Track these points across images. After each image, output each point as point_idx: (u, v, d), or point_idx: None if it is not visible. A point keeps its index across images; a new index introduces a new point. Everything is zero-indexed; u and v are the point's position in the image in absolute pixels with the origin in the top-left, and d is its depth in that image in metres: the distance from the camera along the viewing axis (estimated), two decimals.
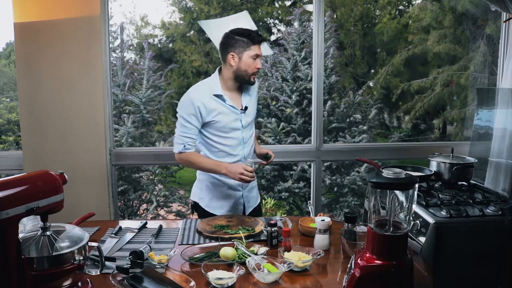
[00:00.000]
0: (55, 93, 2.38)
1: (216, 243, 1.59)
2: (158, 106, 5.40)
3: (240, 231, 1.67)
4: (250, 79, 1.98)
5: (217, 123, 1.97)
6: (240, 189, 2.09)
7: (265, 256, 1.43)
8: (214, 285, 1.29)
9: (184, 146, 1.96)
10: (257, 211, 2.19)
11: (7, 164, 2.56)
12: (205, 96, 1.96)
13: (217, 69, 2.06)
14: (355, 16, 7.81)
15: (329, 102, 5.21)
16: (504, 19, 2.59)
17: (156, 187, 4.99)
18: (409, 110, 7.32)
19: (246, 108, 2.03)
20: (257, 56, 1.95)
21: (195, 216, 2.17)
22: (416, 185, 1.15)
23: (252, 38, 1.93)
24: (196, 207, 2.16)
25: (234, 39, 1.95)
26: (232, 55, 1.95)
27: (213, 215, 2.03)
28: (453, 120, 7.45)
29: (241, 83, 2.02)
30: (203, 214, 2.10)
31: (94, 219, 1.86)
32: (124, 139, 4.64)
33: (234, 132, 2.01)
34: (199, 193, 2.14)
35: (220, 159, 2.00)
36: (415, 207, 1.19)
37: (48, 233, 1.15)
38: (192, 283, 1.28)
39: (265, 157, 2.09)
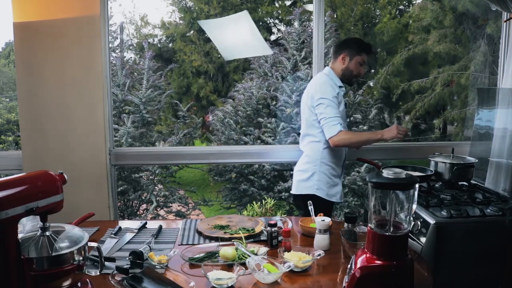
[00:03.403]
0: (55, 93, 2.38)
1: (216, 243, 1.59)
2: (158, 106, 5.40)
3: (240, 231, 1.67)
4: (352, 80, 2.33)
5: (342, 111, 2.23)
6: (340, 176, 2.35)
7: (265, 257, 1.43)
8: (214, 285, 1.29)
9: (341, 124, 2.14)
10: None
11: (6, 164, 2.55)
12: (336, 85, 2.25)
13: (327, 67, 2.34)
14: (355, 16, 7.81)
15: None
16: (505, 19, 2.58)
17: (156, 187, 4.99)
18: (409, 110, 7.31)
19: (346, 105, 2.36)
20: (364, 62, 2.28)
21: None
22: (417, 185, 1.15)
23: (366, 47, 2.29)
24: (310, 200, 1.92)
25: (350, 42, 2.32)
26: (344, 56, 2.27)
27: (331, 202, 2.25)
28: (454, 120, 7.46)
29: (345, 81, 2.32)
30: (321, 204, 2.14)
31: (94, 219, 1.86)
32: (124, 139, 4.64)
33: (343, 121, 2.22)
34: (317, 184, 2.25)
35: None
36: (415, 207, 1.18)
37: (47, 233, 1.15)
38: (192, 283, 1.27)
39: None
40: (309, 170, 2.27)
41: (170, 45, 9.33)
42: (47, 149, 2.40)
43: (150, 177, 4.98)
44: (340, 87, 2.26)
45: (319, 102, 2.17)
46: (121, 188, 4.49)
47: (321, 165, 2.24)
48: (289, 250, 1.49)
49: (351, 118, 5.41)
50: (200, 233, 1.73)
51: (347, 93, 5.49)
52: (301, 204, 2.29)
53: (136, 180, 4.73)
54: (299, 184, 2.30)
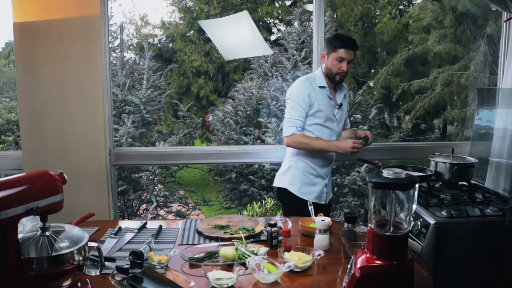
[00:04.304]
0: (55, 93, 2.37)
1: (216, 243, 1.59)
2: (158, 106, 5.40)
3: (240, 231, 1.67)
4: (335, 78, 2.22)
5: (320, 112, 2.21)
6: (325, 178, 2.31)
7: (265, 257, 1.43)
8: (214, 285, 1.29)
9: (296, 127, 2.16)
10: (331, 203, 2.42)
11: (6, 164, 2.55)
12: (313, 86, 2.22)
13: (320, 66, 2.31)
14: (355, 16, 7.81)
15: None
16: (505, 19, 2.58)
17: (156, 187, 4.99)
18: (409, 110, 7.31)
19: (341, 104, 2.29)
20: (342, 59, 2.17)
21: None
22: (417, 185, 1.15)
23: (341, 42, 2.17)
24: (283, 193, 2.29)
25: (327, 40, 2.26)
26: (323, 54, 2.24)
27: (301, 200, 2.19)
28: (454, 120, 7.45)
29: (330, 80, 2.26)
30: (291, 199, 2.25)
31: (94, 219, 1.86)
32: (124, 139, 4.64)
33: (329, 123, 2.25)
34: (291, 179, 2.27)
35: None
36: (415, 207, 1.18)
37: (47, 233, 1.15)
38: (192, 283, 1.27)
39: (364, 139, 2.24)
40: (286, 164, 2.32)
41: (170, 45, 9.33)
42: (47, 149, 2.40)
43: (150, 177, 4.98)
44: (321, 87, 2.23)
45: (286, 102, 2.26)
46: (121, 188, 4.49)
47: (296, 161, 2.26)
48: (289, 250, 1.49)
49: (351, 118, 5.41)
50: (200, 233, 1.73)
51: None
52: (280, 197, 2.37)
53: (136, 180, 4.73)
54: (277, 177, 2.35)
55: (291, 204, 2.25)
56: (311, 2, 2.80)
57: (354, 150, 2.11)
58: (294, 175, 2.27)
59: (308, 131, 2.22)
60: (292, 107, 2.20)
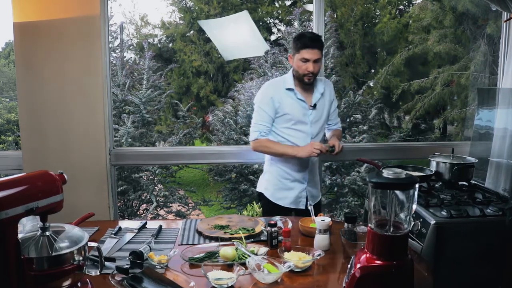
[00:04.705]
0: (55, 93, 2.37)
1: (216, 243, 1.59)
2: (158, 106, 5.40)
3: (240, 231, 1.67)
4: (304, 80, 2.12)
5: (287, 115, 2.14)
6: (304, 182, 2.23)
7: (265, 257, 1.43)
8: (214, 285, 1.29)
9: (260, 132, 2.13)
10: (317, 207, 2.24)
11: (6, 164, 2.55)
12: (279, 89, 2.16)
13: (292, 68, 2.21)
14: (355, 16, 7.81)
15: None
16: (505, 19, 2.58)
17: (156, 187, 4.99)
18: (409, 110, 7.32)
19: (315, 105, 2.17)
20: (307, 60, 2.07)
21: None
22: (417, 185, 1.15)
23: (302, 42, 2.08)
24: (260, 197, 2.30)
25: (292, 41, 2.18)
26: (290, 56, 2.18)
27: (277, 205, 2.19)
28: (454, 120, 7.46)
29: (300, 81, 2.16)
30: (267, 204, 2.24)
31: (94, 219, 1.86)
32: (124, 139, 4.64)
33: (301, 126, 2.16)
34: (265, 184, 2.26)
35: None
36: (415, 207, 1.18)
37: (47, 233, 1.15)
38: (192, 283, 1.27)
39: (330, 148, 2.13)
40: (263, 169, 2.31)
41: (170, 45, 9.33)
42: (47, 149, 2.40)
43: (150, 177, 4.98)
44: (289, 89, 2.14)
45: (253, 107, 2.23)
46: (121, 188, 4.49)
47: (271, 165, 2.23)
48: (289, 250, 1.49)
49: (351, 118, 5.42)
50: (200, 233, 1.73)
51: (347, 93, 5.50)
52: (260, 200, 2.35)
53: (136, 180, 4.73)
54: (258, 180, 2.34)
55: (268, 210, 2.22)
56: (311, 2, 2.80)
57: (314, 154, 2.03)
58: (268, 180, 2.24)
59: (278, 135, 2.16)
60: (256, 112, 2.17)
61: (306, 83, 2.13)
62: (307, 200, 2.23)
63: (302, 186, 2.22)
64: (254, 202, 4.97)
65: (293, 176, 2.20)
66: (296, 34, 2.29)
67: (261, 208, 2.28)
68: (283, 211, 2.17)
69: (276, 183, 2.22)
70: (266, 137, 2.14)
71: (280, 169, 2.20)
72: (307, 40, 2.07)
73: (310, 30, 3.58)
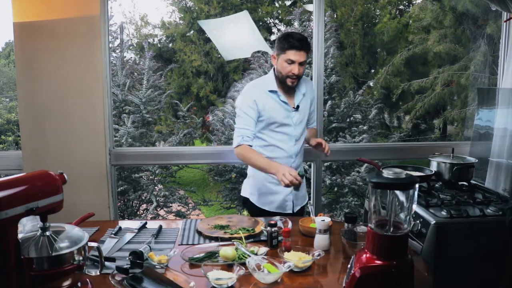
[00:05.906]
0: (55, 93, 2.37)
1: (216, 243, 1.59)
2: (158, 106, 5.40)
3: (240, 231, 1.67)
4: (286, 82, 2.04)
5: (270, 117, 2.06)
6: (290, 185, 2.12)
7: (265, 257, 1.43)
8: (214, 285, 1.29)
9: (242, 137, 2.02)
10: (303, 210, 2.24)
11: (6, 164, 2.55)
12: (261, 91, 2.07)
13: (273, 68, 2.13)
14: (355, 16, 7.81)
15: (329, 102, 5.20)
16: (505, 19, 2.58)
17: (156, 187, 4.99)
18: (409, 110, 7.32)
19: (298, 106, 2.11)
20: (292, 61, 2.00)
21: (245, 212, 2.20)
22: (417, 185, 1.15)
23: (289, 42, 1.99)
24: (246, 202, 2.25)
25: (276, 40, 2.07)
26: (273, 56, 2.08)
27: (263, 210, 2.12)
28: (454, 120, 7.46)
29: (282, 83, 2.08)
30: (253, 209, 2.17)
31: (94, 219, 1.86)
32: (124, 139, 4.64)
33: (285, 128, 2.09)
34: (250, 188, 2.21)
35: (272, 153, 2.09)
36: (415, 207, 1.18)
37: (47, 233, 1.15)
38: (192, 283, 1.27)
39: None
40: (247, 173, 2.25)
41: (170, 45, 9.33)
42: (47, 149, 2.40)
43: (150, 177, 4.98)
44: (271, 91, 2.07)
45: (236, 111, 2.15)
46: (121, 188, 4.49)
47: (255, 170, 2.10)
48: (289, 250, 1.49)
49: (351, 118, 5.41)
50: (200, 233, 1.73)
51: (347, 93, 5.50)
52: (244, 205, 2.28)
53: (136, 180, 4.73)
54: (243, 185, 2.28)
55: (254, 215, 2.10)
56: (311, 2, 2.80)
57: (283, 178, 1.81)
58: (253, 184, 2.18)
59: (261, 138, 2.09)
60: (239, 116, 2.06)
61: (288, 86, 2.05)
62: (293, 204, 2.17)
63: (288, 190, 2.11)
64: None
65: (277, 180, 2.00)
66: (282, 33, 2.19)
67: (247, 213, 2.19)
68: (269, 216, 2.05)
69: (261, 188, 2.15)
70: (250, 143, 2.03)
71: (264, 173, 2.08)
72: (294, 41, 1.98)
73: (310, 30, 3.56)
